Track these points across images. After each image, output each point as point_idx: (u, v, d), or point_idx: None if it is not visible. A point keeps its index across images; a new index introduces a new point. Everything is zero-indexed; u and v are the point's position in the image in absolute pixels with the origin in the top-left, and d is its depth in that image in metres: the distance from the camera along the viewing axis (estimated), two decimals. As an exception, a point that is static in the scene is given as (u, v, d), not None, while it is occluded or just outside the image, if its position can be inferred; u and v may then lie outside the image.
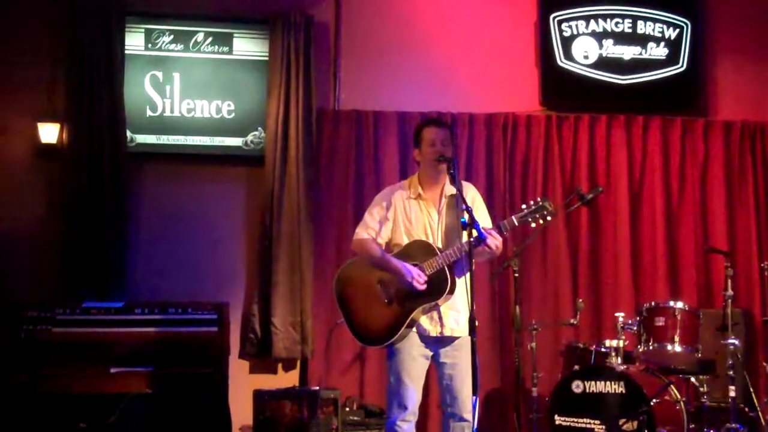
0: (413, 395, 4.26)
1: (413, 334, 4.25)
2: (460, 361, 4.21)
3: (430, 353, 4.30)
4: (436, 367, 4.34)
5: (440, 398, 4.40)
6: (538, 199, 4.19)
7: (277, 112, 6.24)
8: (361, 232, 4.41)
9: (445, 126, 4.48)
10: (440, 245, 4.24)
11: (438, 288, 4.15)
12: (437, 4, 6.71)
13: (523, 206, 4.20)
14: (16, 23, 6.18)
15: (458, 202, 4.17)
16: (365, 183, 6.37)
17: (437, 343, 4.28)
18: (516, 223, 4.16)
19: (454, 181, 4.10)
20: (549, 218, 4.15)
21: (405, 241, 4.32)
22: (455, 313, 4.23)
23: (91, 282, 5.90)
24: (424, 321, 4.25)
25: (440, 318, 4.23)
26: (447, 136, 4.37)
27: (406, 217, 4.35)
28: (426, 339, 4.27)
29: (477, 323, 4.32)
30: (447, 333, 4.24)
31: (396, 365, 4.27)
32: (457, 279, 4.17)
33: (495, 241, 4.09)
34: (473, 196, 4.39)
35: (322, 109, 6.43)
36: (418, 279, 4.13)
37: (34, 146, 6.09)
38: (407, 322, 4.17)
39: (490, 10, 6.73)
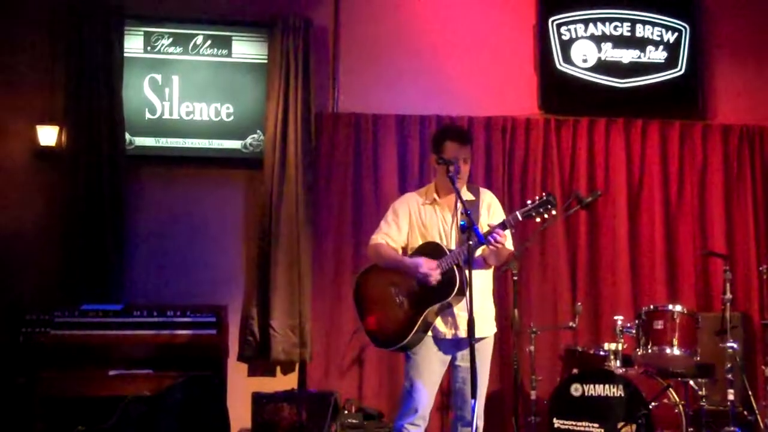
0: (426, 400, 4.26)
1: (429, 338, 4.27)
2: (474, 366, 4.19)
3: (448, 358, 4.31)
4: (451, 369, 4.35)
5: (451, 400, 4.41)
6: (543, 194, 4.19)
7: (276, 115, 6.24)
8: (376, 238, 4.44)
9: (468, 141, 4.43)
10: (453, 248, 4.25)
11: (448, 287, 4.16)
12: (436, 7, 6.71)
13: (528, 202, 4.19)
14: (16, 26, 6.18)
15: (456, 204, 4.20)
16: (364, 186, 6.37)
17: (454, 346, 4.29)
18: (520, 218, 4.14)
19: (453, 184, 4.10)
20: (554, 212, 4.15)
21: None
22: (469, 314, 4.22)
23: (89, 284, 5.89)
24: (439, 324, 4.26)
25: (454, 320, 4.24)
26: (469, 152, 4.37)
27: (420, 221, 4.39)
28: (442, 343, 4.28)
29: (495, 328, 4.37)
30: (461, 335, 4.22)
31: (412, 369, 4.29)
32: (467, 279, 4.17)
33: (498, 237, 4.07)
34: (489, 201, 4.42)
35: (320, 112, 6.43)
36: (430, 266, 4.13)
37: (32, 149, 6.08)
38: (419, 322, 4.18)
39: (489, 14, 6.74)
